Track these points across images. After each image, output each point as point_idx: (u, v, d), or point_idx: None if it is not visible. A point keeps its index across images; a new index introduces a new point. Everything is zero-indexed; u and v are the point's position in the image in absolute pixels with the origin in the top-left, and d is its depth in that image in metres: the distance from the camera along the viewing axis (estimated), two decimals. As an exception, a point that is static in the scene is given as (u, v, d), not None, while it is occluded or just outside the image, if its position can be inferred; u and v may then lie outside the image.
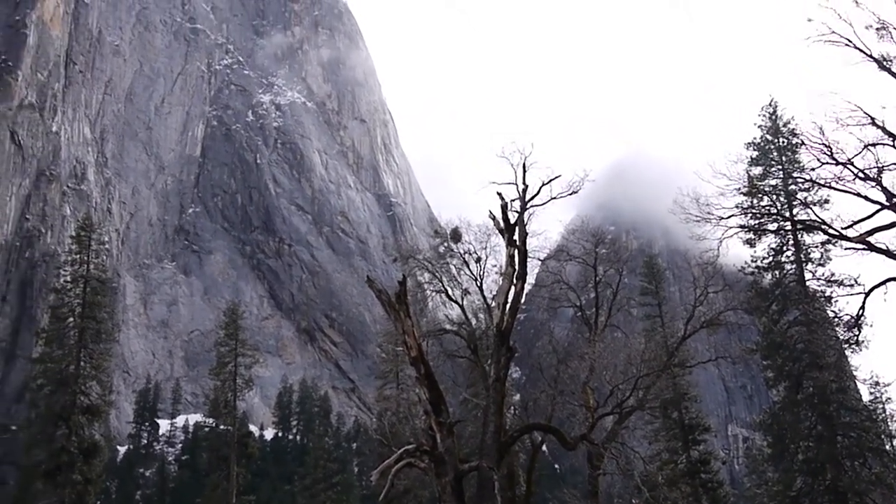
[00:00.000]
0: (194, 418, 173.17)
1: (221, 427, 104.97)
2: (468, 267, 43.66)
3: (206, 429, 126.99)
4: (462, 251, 44.31)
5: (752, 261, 61.82)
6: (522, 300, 34.77)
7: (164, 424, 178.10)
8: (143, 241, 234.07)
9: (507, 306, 33.22)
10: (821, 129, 26.10)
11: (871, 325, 39.69)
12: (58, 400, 76.21)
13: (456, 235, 45.39)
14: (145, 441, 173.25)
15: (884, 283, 26.59)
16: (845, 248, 28.07)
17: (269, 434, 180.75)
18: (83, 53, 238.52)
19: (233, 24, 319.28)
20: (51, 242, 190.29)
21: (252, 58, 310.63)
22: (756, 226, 45.41)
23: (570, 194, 37.18)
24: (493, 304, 36.23)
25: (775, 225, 53.71)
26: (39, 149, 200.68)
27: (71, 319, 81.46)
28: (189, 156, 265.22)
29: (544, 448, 58.98)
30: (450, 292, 44.29)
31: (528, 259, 35.16)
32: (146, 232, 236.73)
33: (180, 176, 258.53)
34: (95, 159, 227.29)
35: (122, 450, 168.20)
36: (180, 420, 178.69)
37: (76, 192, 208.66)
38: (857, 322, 31.30)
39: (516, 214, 35.21)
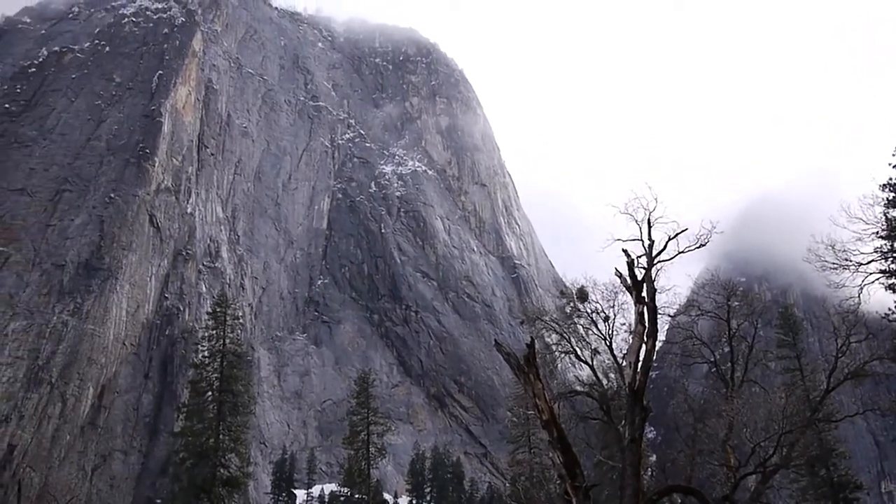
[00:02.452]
0: (329, 488, 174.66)
1: (356, 496, 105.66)
2: (596, 326, 42.91)
3: (342, 498, 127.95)
4: (589, 310, 43.61)
5: (896, 307, 58.88)
6: (654, 358, 33.95)
7: (300, 494, 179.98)
8: (275, 313, 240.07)
9: (639, 365, 32.41)
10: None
11: None
12: (199, 473, 78.16)
13: (582, 295, 44.79)
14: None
15: None
16: None
17: (403, 502, 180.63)
18: (214, 137, 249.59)
19: (353, 100, 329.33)
20: (189, 319, 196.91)
21: (373, 130, 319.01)
22: (898, 270, 43.35)
23: (698, 247, 36.32)
24: (625, 363, 35.39)
25: (919, 268, 51.15)
26: (176, 230, 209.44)
27: (210, 393, 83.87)
28: (316, 229, 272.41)
29: (685, 511, 57.01)
30: (579, 353, 43.56)
31: (658, 315, 34.38)
32: (278, 305, 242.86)
33: (308, 249, 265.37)
34: (228, 237, 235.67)
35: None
36: (316, 490, 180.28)
37: (211, 269, 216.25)
38: None
39: (643, 271, 34.52)
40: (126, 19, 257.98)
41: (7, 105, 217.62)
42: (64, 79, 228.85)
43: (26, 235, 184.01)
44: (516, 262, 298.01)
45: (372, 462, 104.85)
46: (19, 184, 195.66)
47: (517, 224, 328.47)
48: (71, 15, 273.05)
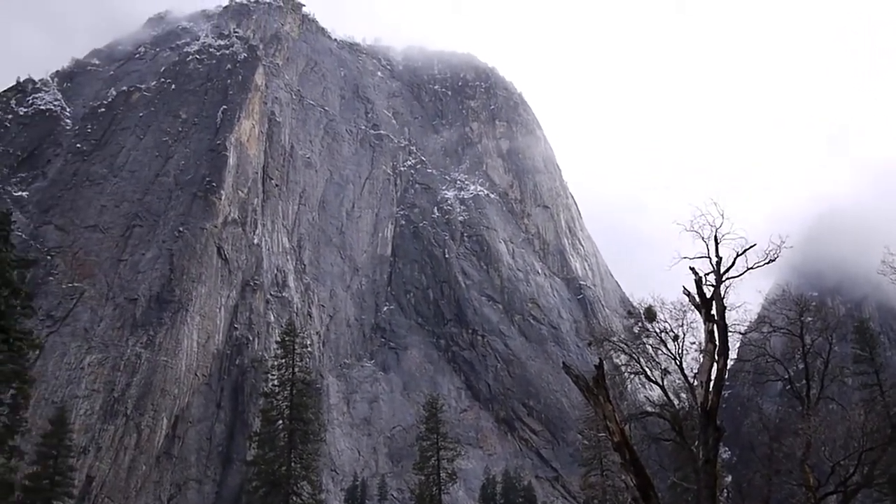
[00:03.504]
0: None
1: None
2: (665, 346, 42.45)
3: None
4: (658, 330, 43.18)
5: (977, 318, 57.10)
6: (726, 376, 33.43)
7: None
8: (343, 341, 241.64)
9: (711, 384, 32.00)
10: None
11: None
12: (272, 501, 78.99)
13: (650, 314, 44.36)
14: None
15: None
16: None
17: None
18: (278, 168, 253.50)
19: (413, 126, 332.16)
20: (258, 349, 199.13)
21: (434, 156, 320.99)
22: (978, 280, 42.07)
23: (768, 263, 35.86)
24: (696, 382, 34.95)
25: None
26: (243, 261, 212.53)
27: (280, 422, 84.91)
28: (381, 256, 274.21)
29: (764, 532, 55.72)
30: (648, 373, 43.14)
31: (729, 333, 33.92)
32: (345, 332, 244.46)
33: (374, 276, 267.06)
34: (294, 266, 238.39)
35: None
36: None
37: (279, 299, 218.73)
38: None
39: (712, 288, 34.17)
40: (190, 57, 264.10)
41: (79, 145, 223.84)
42: (132, 117, 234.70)
43: (100, 271, 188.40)
44: (582, 283, 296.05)
45: (443, 487, 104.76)
46: (92, 220, 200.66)
47: (581, 245, 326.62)
48: (137, 55, 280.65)
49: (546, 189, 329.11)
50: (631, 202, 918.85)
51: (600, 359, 29.12)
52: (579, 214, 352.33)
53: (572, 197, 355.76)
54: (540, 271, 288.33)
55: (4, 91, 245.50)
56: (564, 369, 29.47)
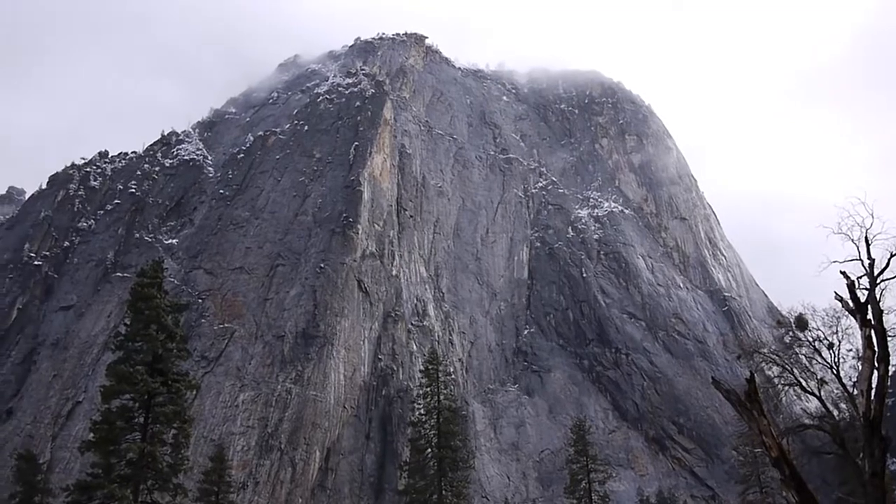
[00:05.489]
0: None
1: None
2: (820, 355, 40.81)
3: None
4: (811, 339, 41.55)
5: None
6: (888, 383, 31.75)
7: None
8: (485, 366, 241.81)
9: (873, 392, 30.44)
10: None
11: None
12: (426, 529, 79.38)
13: (801, 323, 42.74)
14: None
15: None
16: None
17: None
18: (411, 199, 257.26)
19: (542, 148, 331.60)
20: (403, 378, 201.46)
21: (565, 176, 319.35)
22: None
23: (925, 261, 33.93)
24: (856, 391, 33.34)
25: None
26: (383, 293, 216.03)
27: (429, 450, 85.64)
28: (518, 279, 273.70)
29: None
30: (804, 384, 41.48)
31: (889, 338, 32.27)
32: (487, 358, 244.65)
33: (512, 300, 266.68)
34: (433, 295, 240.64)
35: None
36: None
37: (419, 328, 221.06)
38: None
39: (866, 292, 32.58)
40: (321, 98, 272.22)
41: (221, 191, 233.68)
42: (269, 160, 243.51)
43: (248, 311, 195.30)
44: (726, 294, 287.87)
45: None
46: (238, 262, 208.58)
47: (723, 255, 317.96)
48: (271, 100, 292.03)
49: (682, 200, 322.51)
50: (774, 209, 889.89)
51: (751, 371, 28.11)
52: (718, 224, 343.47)
53: (710, 207, 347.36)
54: (681, 285, 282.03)
55: (151, 145, 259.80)
56: (714, 384, 28.59)
